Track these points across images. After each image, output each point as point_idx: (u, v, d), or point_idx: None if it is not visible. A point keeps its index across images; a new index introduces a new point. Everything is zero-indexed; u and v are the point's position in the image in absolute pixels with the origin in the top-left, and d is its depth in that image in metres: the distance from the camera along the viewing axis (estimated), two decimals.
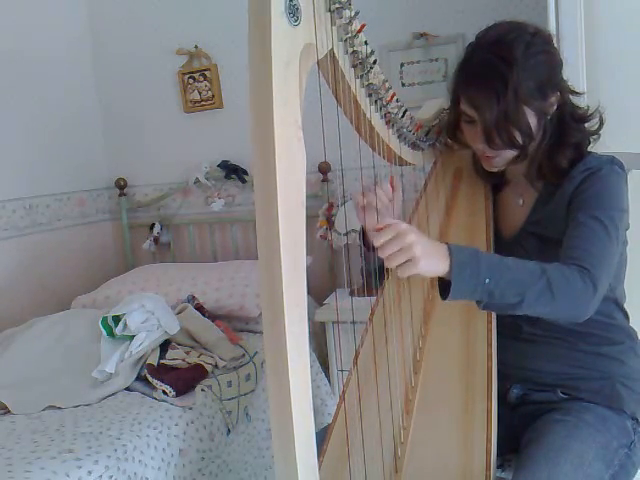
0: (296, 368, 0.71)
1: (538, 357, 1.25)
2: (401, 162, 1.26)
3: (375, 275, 1.33)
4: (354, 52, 0.91)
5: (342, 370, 2.24)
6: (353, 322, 1.10)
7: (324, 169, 2.51)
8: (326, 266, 2.59)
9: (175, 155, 2.88)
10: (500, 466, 1.25)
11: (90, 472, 1.41)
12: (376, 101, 1.05)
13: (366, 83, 0.99)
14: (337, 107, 0.97)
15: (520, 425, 1.22)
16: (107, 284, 2.62)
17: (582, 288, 1.01)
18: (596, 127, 1.22)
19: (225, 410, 1.83)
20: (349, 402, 1.11)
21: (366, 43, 0.93)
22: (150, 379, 1.83)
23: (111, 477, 1.44)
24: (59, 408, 1.75)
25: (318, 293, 2.49)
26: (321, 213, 2.45)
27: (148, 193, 2.97)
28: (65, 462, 1.42)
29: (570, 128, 1.19)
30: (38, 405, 1.75)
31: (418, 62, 2.40)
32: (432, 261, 0.94)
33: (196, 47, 2.73)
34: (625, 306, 1.26)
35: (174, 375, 1.83)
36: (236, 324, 2.33)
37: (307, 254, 0.74)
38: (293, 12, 0.70)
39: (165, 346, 1.98)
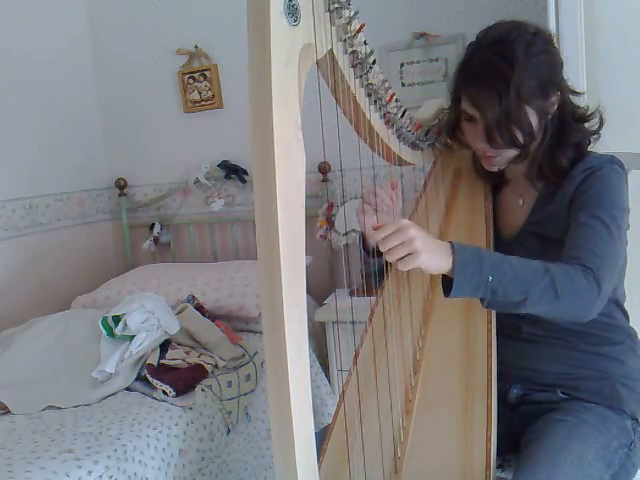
0: (296, 368, 0.71)
1: (538, 357, 1.25)
2: (401, 162, 1.26)
3: (375, 276, 1.33)
4: (353, 52, 0.91)
5: (342, 370, 2.24)
6: (353, 322, 1.10)
7: (324, 169, 2.51)
8: (326, 266, 2.59)
9: (175, 155, 2.88)
10: (500, 466, 1.25)
11: (90, 472, 1.41)
12: (375, 101, 1.05)
13: (365, 83, 0.99)
14: (336, 107, 0.97)
15: (520, 425, 1.22)
16: (107, 284, 2.62)
17: (586, 288, 1.01)
18: (596, 127, 1.22)
19: (225, 410, 1.83)
20: (349, 402, 1.11)
21: (365, 43, 0.93)
22: (150, 379, 1.83)
23: (111, 477, 1.44)
24: (59, 408, 1.75)
25: (318, 293, 2.49)
26: (321, 213, 2.45)
27: (148, 193, 2.97)
28: (65, 462, 1.42)
29: (570, 128, 1.20)
30: (38, 405, 1.75)
31: (418, 62, 2.40)
32: (434, 256, 0.94)
33: (196, 47, 2.73)
34: (625, 306, 1.26)
35: (174, 375, 1.83)
36: (236, 324, 2.33)
37: (307, 254, 0.74)
38: (292, 12, 0.70)
39: (165, 346, 1.98)
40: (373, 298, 1.31)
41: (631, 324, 1.27)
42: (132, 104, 2.93)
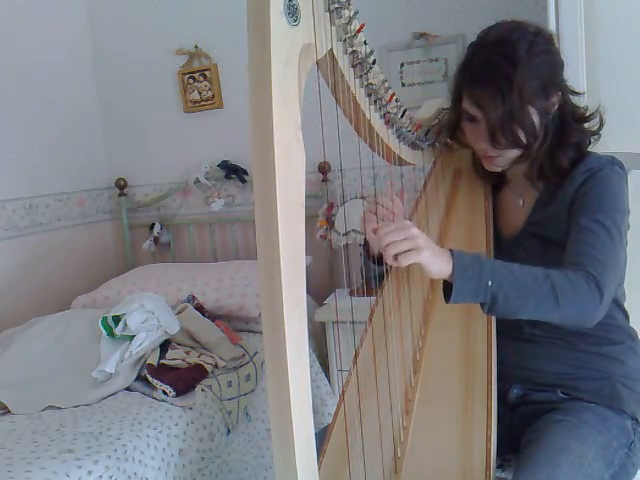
0: (296, 369, 0.71)
1: (538, 357, 1.25)
2: (401, 162, 1.26)
3: (375, 279, 1.33)
4: (353, 52, 0.91)
5: (342, 370, 2.24)
6: (353, 322, 1.10)
7: (324, 169, 2.51)
8: (326, 266, 2.59)
9: (175, 155, 2.88)
10: (500, 466, 1.25)
11: (90, 472, 1.42)
12: (375, 101, 1.05)
13: (365, 83, 0.99)
14: (336, 107, 0.97)
15: (520, 425, 1.22)
16: (107, 284, 2.62)
17: (588, 294, 1.01)
18: (596, 127, 1.22)
19: (225, 410, 1.83)
20: (349, 402, 1.11)
21: (365, 43, 0.93)
22: (150, 379, 1.83)
23: (111, 477, 1.44)
24: (59, 408, 1.75)
25: (318, 293, 2.49)
26: (321, 213, 2.45)
27: (148, 193, 2.98)
28: (65, 462, 1.42)
29: (571, 128, 1.19)
30: (38, 405, 1.75)
31: (418, 62, 2.40)
32: (435, 259, 0.95)
33: (196, 47, 2.73)
34: (625, 306, 1.26)
35: (174, 375, 1.83)
36: (236, 324, 2.33)
37: (307, 254, 0.74)
38: (292, 12, 0.70)
39: (165, 346, 1.99)
40: (373, 298, 1.31)
41: (631, 324, 1.27)
42: (132, 104, 2.93)
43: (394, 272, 1.32)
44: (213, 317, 2.18)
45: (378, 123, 1.09)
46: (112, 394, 1.82)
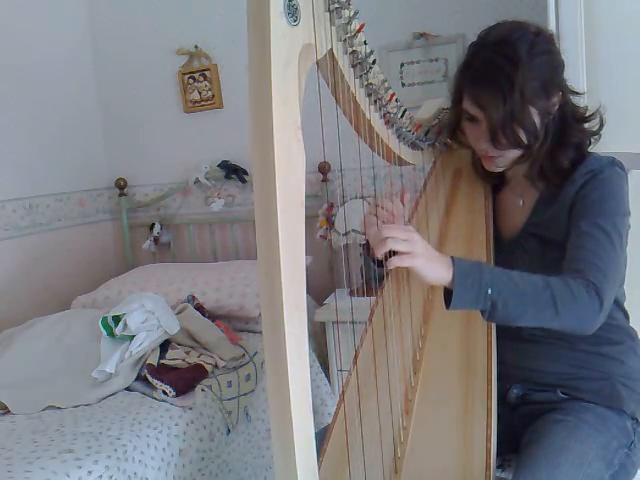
0: (296, 369, 0.70)
1: (538, 357, 1.25)
2: (400, 162, 1.26)
3: (375, 279, 1.33)
4: (353, 52, 0.91)
5: (342, 370, 2.24)
6: (353, 322, 1.10)
7: (324, 169, 2.51)
8: (326, 266, 2.59)
9: (175, 155, 2.88)
10: (500, 466, 1.25)
11: (90, 472, 1.42)
12: (375, 101, 1.05)
13: (365, 83, 0.99)
14: (336, 107, 0.97)
15: (520, 425, 1.22)
16: (107, 284, 2.63)
17: (588, 303, 1.01)
18: (597, 128, 1.22)
19: (225, 410, 1.83)
20: (349, 402, 1.10)
21: (365, 43, 0.92)
22: (150, 379, 1.83)
23: (111, 477, 1.44)
24: (59, 408, 1.75)
25: (318, 293, 2.49)
26: (321, 213, 2.45)
27: (148, 193, 2.98)
28: (65, 462, 1.42)
29: (571, 128, 1.19)
30: (38, 405, 1.75)
31: (418, 62, 2.40)
32: (433, 265, 0.95)
33: (196, 47, 2.73)
34: (625, 306, 1.26)
35: (174, 375, 1.83)
36: (236, 324, 2.33)
37: (307, 254, 0.74)
38: (292, 12, 0.70)
39: (165, 346, 1.99)
40: (373, 298, 1.31)
41: (631, 324, 1.27)
42: (132, 104, 2.93)
43: (394, 272, 1.32)
44: (213, 317, 2.18)
45: (378, 123, 1.09)
46: (112, 394, 1.82)
